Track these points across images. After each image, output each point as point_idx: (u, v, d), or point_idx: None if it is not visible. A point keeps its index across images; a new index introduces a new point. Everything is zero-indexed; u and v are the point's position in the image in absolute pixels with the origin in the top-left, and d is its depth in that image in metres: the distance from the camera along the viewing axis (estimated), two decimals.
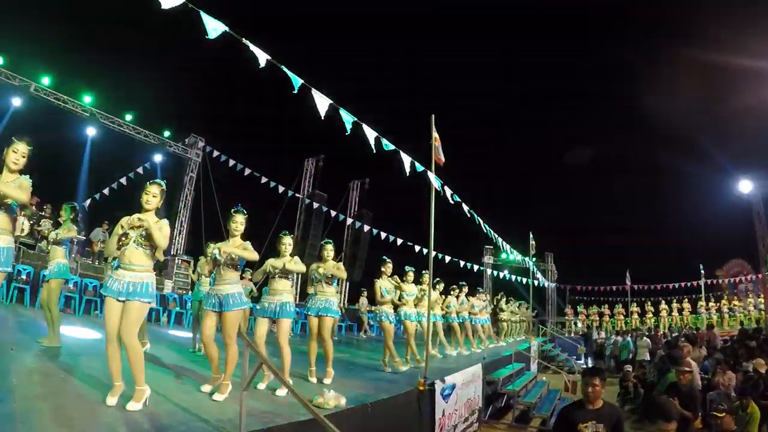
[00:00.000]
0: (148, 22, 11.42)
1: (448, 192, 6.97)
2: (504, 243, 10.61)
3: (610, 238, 23.86)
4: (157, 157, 16.34)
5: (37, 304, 6.90)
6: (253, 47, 4.34)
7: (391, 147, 5.62)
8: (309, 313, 5.53)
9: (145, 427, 3.11)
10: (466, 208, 7.67)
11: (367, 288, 15.01)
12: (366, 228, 18.01)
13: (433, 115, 6.40)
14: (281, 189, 16.88)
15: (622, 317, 22.83)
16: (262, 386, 4.70)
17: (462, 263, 16.22)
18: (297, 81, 4.69)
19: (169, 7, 3.77)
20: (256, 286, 8.70)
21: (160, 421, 3.25)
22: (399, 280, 7.57)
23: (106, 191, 15.14)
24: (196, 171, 16.81)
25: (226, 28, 4.13)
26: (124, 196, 14.68)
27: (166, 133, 16.32)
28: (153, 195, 3.73)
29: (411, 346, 7.53)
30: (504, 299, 15.06)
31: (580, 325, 23.15)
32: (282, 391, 4.47)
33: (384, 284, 7.04)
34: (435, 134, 6.41)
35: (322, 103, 4.90)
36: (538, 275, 20.28)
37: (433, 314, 8.70)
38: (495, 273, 22.71)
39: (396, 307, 7.37)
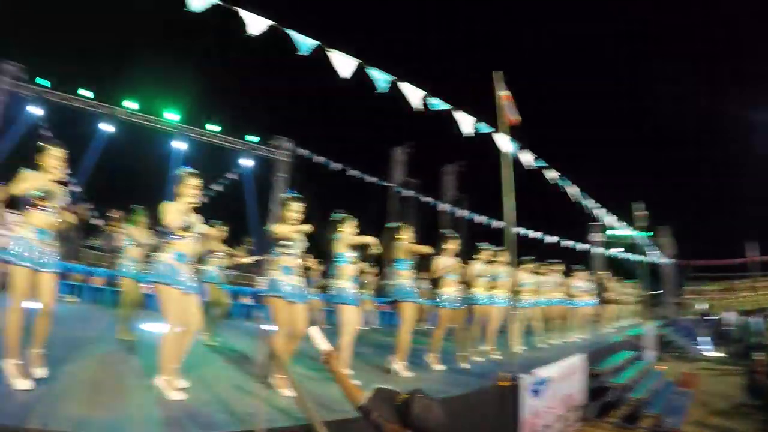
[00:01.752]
0: (235, 43, 11.71)
1: (529, 157, 5.96)
2: (605, 213, 9.24)
3: (735, 206, 20.61)
4: (246, 162, 16.87)
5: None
6: (338, 55, 4.36)
7: (444, 106, 4.99)
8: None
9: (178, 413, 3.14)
10: (553, 174, 6.59)
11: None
12: (462, 213, 17.32)
13: (501, 72, 5.58)
14: (372, 180, 16.71)
15: (750, 295, 19.62)
16: None
17: (568, 243, 14.75)
18: (387, 80, 4.59)
19: (258, 32, 3.99)
20: None
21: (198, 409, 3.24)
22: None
23: (206, 199, 15.79)
24: (286, 171, 16.89)
25: (317, 42, 4.25)
26: (217, 203, 15.63)
27: (253, 138, 16.73)
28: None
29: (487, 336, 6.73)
30: (611, 279, 13.41)
31: (701, 305, 20.33)
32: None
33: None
34: (504, 92, 5.56)
35: (414, 94, 4.75)
36: (652, 251, 18.08)
37: (528, 299, 7.95)
38: (604, 251, 20.68)
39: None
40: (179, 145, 15.92)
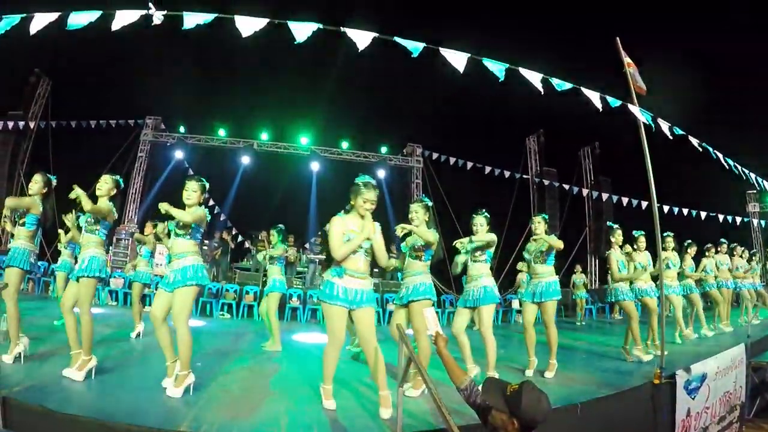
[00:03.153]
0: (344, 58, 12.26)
1: (665, 125, 5.34)
2: (756, 178, 8.07)
3: None
4: (381, 173, 17.20)
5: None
6: (448, 53, 4.31)
7: (567, 86, 4.74)
8: (524, 299, 5.18)
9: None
10: (695, 141, 5.86)
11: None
12: (605, 196, 16.38)
13: (618, 38, 5.25)
14: (508, 174, 16.66)
15: None
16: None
17: (721, 217, 13.21)
18: (502, 69, 4.47)
19: (365, 45, 4.05)
20: None
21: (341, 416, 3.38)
22: (630, 249, 6.47)
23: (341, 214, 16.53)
24: (420, 177, 17.40)
25: (423, 44, 4.22)
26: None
27: (384, 149, 17.33)
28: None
29: (653, 329, 6.25)
30: None
31: None
32: (414, 392, 3.95)
33: (618, 256, 5.99)
34: (627, 59, 5.24)
35: (533, 77, 4.56)
36: None
37: (685, 284, 7.44)
38: (764, 222, 18.25)
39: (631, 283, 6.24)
40: (314, 166, 16.80)
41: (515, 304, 11.38)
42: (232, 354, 5.70)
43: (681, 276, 7.39)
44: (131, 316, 6.50)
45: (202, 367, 4.34)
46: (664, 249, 6.50)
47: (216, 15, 3.81)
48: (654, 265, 6.39)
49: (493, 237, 4.66)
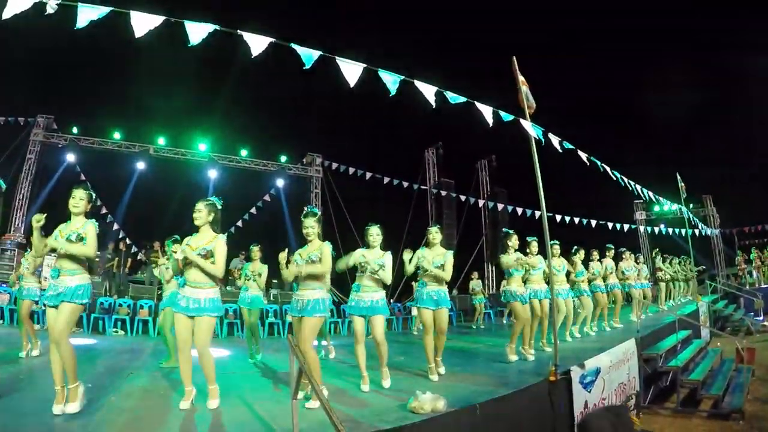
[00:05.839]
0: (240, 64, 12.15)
1: (555, 140, 5.76)
2: (641, 189, 8.88)
3: None
4: (279, 182, 17.11)
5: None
6: (344, 62, 4.31)
7: (461, 99, 4.85)
8: (420, 306, 5.16)
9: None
10: (583, 155, 6.36)
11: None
12: (501, 206, 17.00)
13: (514, 57, 5.49)
14: (406, 185, 16.92)
15: None
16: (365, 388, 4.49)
17: (610, 225, 14.25)
18: (396, 82, 4.49)
19: (260, 50, 3.97)
20: None
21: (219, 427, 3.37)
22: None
23: (239, 223, 16.10)
24: (320, 186, 17.38)
25: (319, 52, 4.20)
26: (254, 224, 16.02)
27: (283, 158, 17.16)
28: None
29: (543, 329, 6.69)
30: (660, 257, 12.89)
31: (756, 274, 19.08)
32: (314, 403, 3.86)
33: (512, 259, 6.17)
34: (521, 77, 5.47)
35: (427, 90, 4.62)
36: (698, 223, 17.25)
37: (577, 288, 7.91)
38: (649, 229, 19.92)
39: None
40: (211, 174, 16.28)
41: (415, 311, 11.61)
42: (127, 372, 5.38)
43: (573, 280, 7.86)
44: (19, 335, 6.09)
45: (93, 387, 4.14)
46: (553, 256, 6.84)
47: (111, 9, 3.61)
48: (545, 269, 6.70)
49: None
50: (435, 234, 5.22)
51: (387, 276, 4.63)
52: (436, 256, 5.12)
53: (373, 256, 4.62)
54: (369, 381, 4.53)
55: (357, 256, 4.68)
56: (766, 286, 17.32)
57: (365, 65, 4.29)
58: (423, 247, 5.26)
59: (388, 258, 4.63)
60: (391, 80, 4.42)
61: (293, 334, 4.14)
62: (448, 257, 5.13)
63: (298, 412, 2.93)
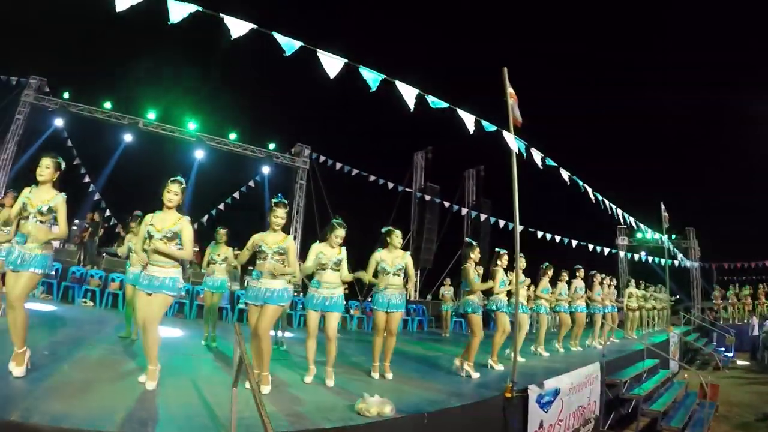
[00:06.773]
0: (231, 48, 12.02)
1: (538, 156, 5.71)
2: (626, 215, 8.87)
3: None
4: (265, 170, 16.95)
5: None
6: (325, 55, 4.20)
7: (442, 104, 4.77)
8: (375, 307, 5.15)
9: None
10: (565, 174, 6.32)
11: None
12: (483, 217, 16.90)
13: (505, 68, 5.43)
14: (392, 186, 16.83)
15: None
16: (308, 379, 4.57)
17: (591, 247, 14.25)
18: (376, 81, 4.40)
19: (240, 34, 3.86)
20: None
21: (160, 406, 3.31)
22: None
23: (221, 206, 16.00)
24: (305, 178, 17.17)
25: (300, 43, 4.11)
26: (238, 209, 15.87)
27: (272, 146, 16.93)
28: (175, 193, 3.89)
29: (496, 344, 6.57)
30: (633, 284, 12.89)
31: (729, 310, 19.23)
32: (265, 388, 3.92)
33: (472, 272, 6.05)
34: (510, 90, 5.41)
35: (408, 92, 4.53)
36: (678, 254, 17.39)
37: (538, 305, 7.96)
38: (629, 255, 19.98)
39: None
40: (197, 154, 16.05)
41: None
42: (85, 343, 5.35)
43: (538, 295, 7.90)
44: None
45: (49, 355, 4.17)
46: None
47: None
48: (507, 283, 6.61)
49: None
50: (397, 237, 5.18)
51: (345, 272, 4.74)
52: (395, 259, 5.09)
53: (332, 253, 4.69)
54: (314, 375, 4.60)
55: (316, 251, 4.72)
56: (740, 323, 17.47)
57: (346, 60, 4.22)
58: (380, 248, 5.20)
59: (344, 255, 4.73)
60: (371, 78, 4.33)
61: (244, 322, 4.08)
62: (407, 260, 5.20)
63: (237, 400, 2.84)
